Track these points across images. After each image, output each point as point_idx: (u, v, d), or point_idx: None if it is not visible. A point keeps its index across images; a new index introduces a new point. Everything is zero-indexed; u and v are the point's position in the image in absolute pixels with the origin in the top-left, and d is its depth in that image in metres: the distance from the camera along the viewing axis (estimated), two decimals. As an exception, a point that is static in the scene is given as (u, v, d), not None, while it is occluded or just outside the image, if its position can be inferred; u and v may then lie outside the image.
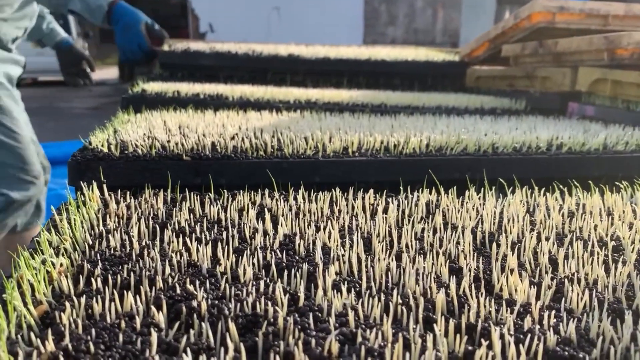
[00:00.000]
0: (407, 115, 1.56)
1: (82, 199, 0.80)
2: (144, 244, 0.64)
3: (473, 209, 0.83)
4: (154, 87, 1.72)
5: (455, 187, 1.04)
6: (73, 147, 4.28)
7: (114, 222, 0.72)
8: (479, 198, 0.89)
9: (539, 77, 1.85)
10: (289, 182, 0.99)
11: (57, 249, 0.63)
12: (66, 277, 0.57)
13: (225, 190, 0.89)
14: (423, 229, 0.74)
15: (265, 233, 0.70)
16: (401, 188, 0.95)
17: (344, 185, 1.02)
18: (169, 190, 0.89)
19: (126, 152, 0.97)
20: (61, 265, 0.59)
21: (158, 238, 0.67)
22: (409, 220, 0.77)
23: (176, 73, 2.19)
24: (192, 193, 0.85)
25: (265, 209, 0.79)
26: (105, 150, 0.96)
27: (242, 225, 0.72)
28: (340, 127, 1.30)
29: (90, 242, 0.65)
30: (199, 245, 0.63)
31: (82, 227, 0.70)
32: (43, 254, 0.61)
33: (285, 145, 1.06)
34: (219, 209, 0.78)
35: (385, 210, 0.81)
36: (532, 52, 1.86)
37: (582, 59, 1.67)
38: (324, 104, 1.68)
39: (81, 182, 0.92)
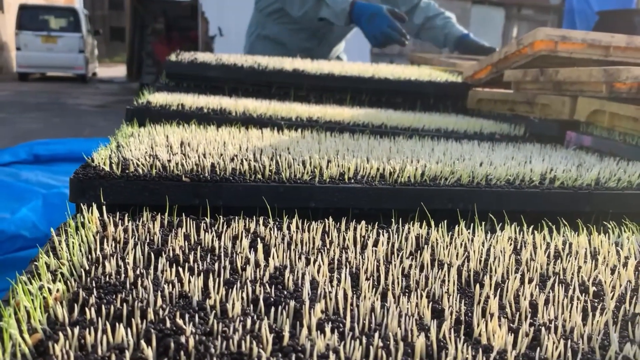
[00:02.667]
0: (407, 138, 1.58)
1: (82, 219, 0.82)
2: (138, 272, 0.67)
3: (461, 245, 0.85)
4: (159, 98, 1.74)
5: (447, 218, 1.07)
6: (77, 144, 4.26)
7: (111, 246, 0.75)
8: (469, 232, 0.91)
9: (539, 104, 1.87)
10: (285, 206, 1.02)
11: (54, 273, 0.66)
12: (61, 304, 0.59)
13: (221, 216, 0.91)
14: (410, 266, 0.76)
15: (256, 264, 0.72)
16: (393, 220, 0.97)
17: (339, 211, 1.05)
18: (167, 212, 0.91)
19: (127, 171, 0.99)
20: (57, 291, 0.62)
21: (152, 266, 0.70)
22: (397, 255, 0.79)
23: (182, 83, 2.22)
24: (188, 218, 0.87)
25: (259, 239, 0.81)
26: (107, 168, 0.99)
27: (234, 255, 0.75)
28: (339, 149, 1.32)
29: (87, 267, 0.68)
30: (191, 276, 0.65)
31: (80, 250, 0.72)
32: (40, 279, 0.63)
33: (283, 169, 1.08)
34: (213, 236, 0.80)
35: (376, 243, 0.83)
36: (533, 79, 1.88)
37: (582, 89, 1.69)
38: (325, 122, 1.70)
39: (82, 201, 0.95)
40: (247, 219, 0.89)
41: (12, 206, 3.49)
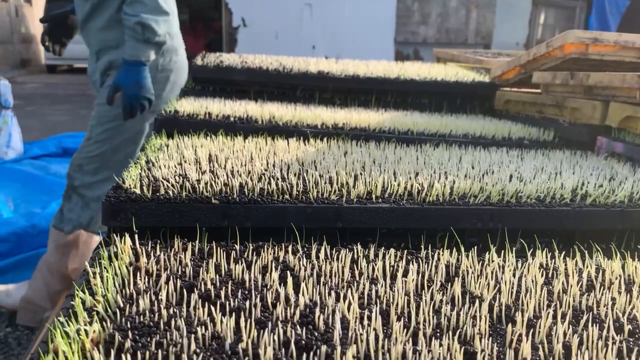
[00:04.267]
0: (434, 145, 1.57)
1: (114, 249, 0.83)
2: (171, 311, 0.68)
3: (492, 274, 0.84)
4: (186, 106, 1.75)
5: (477, 236, 1.06)
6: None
7: (144, 280, 0.76)
8: (500, 259, 0.90)
9: (569, 107, 1.84)
10: (313, 226, 1.02)
11: (90, 312, 0.67)
12: (97, 345, 0.61)
13: (250, 240, 0.92)
14: (441, 301, 0.75)
15: (286, 299, 0.73)
16: (422, 240, 0.96)
17: (367, 231, 1.05)
18: (197, 237, 0.93)
19: (158, 193, 1.00)
20: (94, 332, 0.63)
21: (185, 301, 0.71)
22: (428, 288, 0.79)
23: (208, 87, 2.23)
24: (218, 247, 0.88)
25: (288, 270, 0.81)
26: (138, 191, 1.00)
27: (264, 289, 0.75)
28: (365, 162, 1.32)
29: (121, 305, 0.69)
30: (222, 316, 0.66)
31: (114, 284, 0.73)
32: (77, 320, 0.64)
33: (310, 188, 1.08)
34: (243, 268, 0.81)
35: (405, 274, 0.83)
36: (563, 82, 1.85)
37: (614, 94, 1.66)
38: (351, 129, 1.69)
39: (113, 224, 0.96)
40: (276, 247, 0.90)
41: (42, 199, 3.57)
